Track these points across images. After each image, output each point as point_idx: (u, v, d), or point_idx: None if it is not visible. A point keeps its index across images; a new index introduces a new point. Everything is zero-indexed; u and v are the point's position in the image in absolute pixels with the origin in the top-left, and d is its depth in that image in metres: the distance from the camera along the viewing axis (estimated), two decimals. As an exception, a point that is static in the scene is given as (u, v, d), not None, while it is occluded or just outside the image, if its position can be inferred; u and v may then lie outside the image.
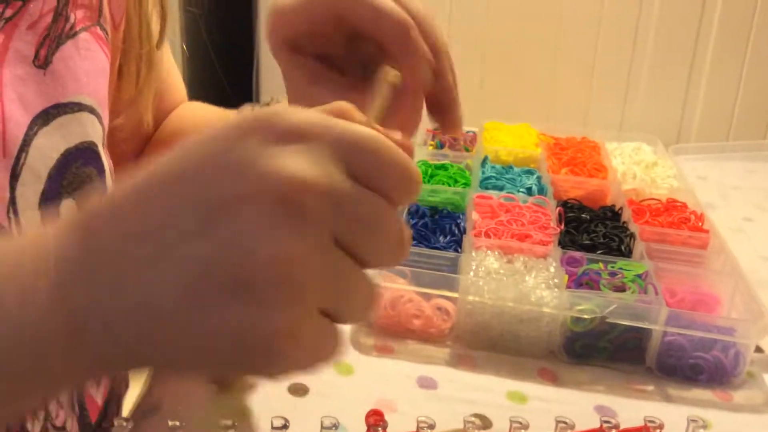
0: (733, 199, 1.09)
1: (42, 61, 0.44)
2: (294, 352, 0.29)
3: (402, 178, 0.30)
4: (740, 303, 0.73)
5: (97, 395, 0.56)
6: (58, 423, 0.50)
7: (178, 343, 0.30)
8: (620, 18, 1.26)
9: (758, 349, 0.73)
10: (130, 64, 0.54)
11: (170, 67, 0.66)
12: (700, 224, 0.86)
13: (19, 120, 0.42)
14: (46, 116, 0.44)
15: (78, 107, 0.46)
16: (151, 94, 0.57)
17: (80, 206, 0.32)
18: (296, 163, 0.28)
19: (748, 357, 0.69)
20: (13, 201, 0.42)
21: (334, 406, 0.62)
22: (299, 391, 0.63)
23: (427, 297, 0.72)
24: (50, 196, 0.44)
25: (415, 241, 0.78)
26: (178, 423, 0.47)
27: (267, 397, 0.62)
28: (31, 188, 0.43)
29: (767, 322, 0.67)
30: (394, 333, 0.72)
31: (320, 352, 0.31)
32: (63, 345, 0.30)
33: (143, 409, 0.62)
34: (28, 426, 0.48)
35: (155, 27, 0.56)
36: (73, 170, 0.46)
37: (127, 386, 0.63)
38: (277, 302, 0.28)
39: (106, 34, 0.50)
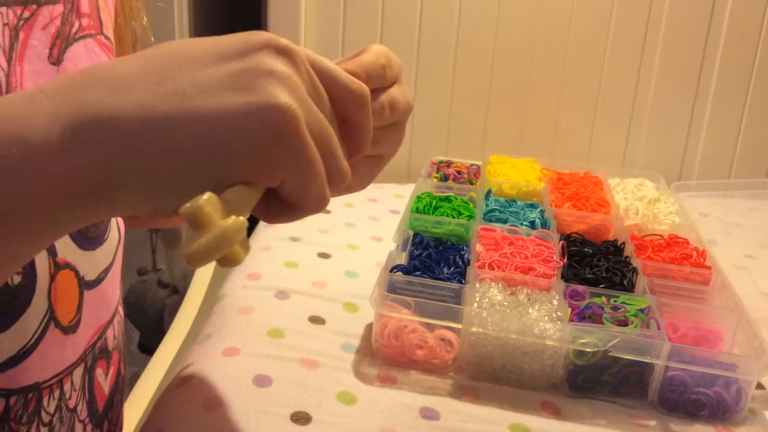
0: (736, 236, 1.09)
1: (55, 59, 0.48)
2: (298, 143, 0.35)
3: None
4: (742, 339, 0.73)
5: (105, 384, 0.57)
6: (71, 404, 0.52)
7: (183, 144, 0.34)
8: (623, 56, 1.27)
9: (760, 386, 0.73)
10: None
11: None
12: (702, 260, 0.87)
13: None
14: None
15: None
16: None
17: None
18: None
19: (749, 393, 0.69)
20: None
21: (337, 435, 0.62)
22: (301, 419, 0.63)
23: (431, 328, 0.72)
24: None
25: (419, 272, 0.78)
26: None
27: (269, 425, 0.62)
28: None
29: (769, 358, 0.68)
30: (397, 363, 0.72)
31: (316, 170, 0.37)
32: (64, 157, 0.33)
33: (146, 434, 0.62)
34: (44, 401, 0.50)
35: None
36: None
37: (124, 381, 0.64)
38: (282, 85, 0.35)
39: (111, 43, 0.54)
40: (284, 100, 0.35)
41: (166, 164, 0.34)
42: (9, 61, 0.45)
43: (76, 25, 0.50)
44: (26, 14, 0.46)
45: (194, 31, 1.27)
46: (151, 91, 0.34)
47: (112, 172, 0.34)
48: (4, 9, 0.45)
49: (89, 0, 0.52)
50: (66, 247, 0.49)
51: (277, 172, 0.36)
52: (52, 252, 0.47)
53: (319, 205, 0.38)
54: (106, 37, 0.54)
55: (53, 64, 0.48)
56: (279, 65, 0.36)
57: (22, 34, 0.46)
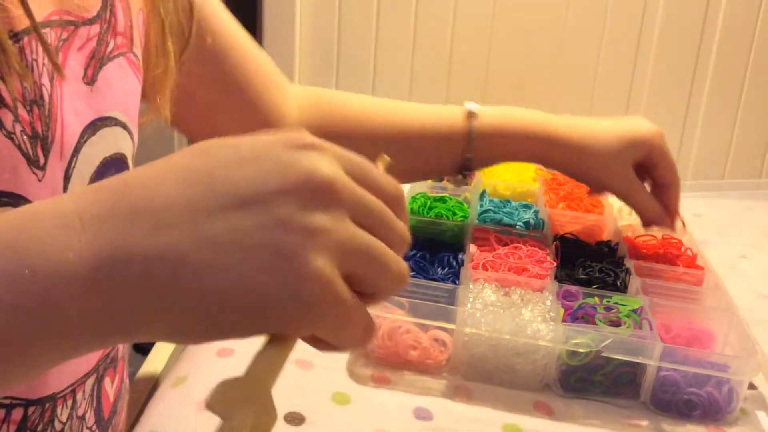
0: (729, 236, 1.10)
1: (89, 79, 0.49)
2: (331, 305, 0.33)
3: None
4: (734, 340, 0.73)
5: (111, 392, 0.58)
6: (80, 412, 0.53)
7: (210, 302, 0.33)
8: (618, 58, 1.28)
9: (751, 386, 0.73)
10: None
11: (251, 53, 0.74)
12: (695, 261, 0.87)
13: (74, 129, 0.47)
14: (93, 127, 0.49)
15: (114, 122, 0.51)
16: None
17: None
18: (323, 164, 0.34)
19: (741, 394, 0.69)
20: None
21: (330, 436, 0.62)
22: (295, 420, 0.63)
23: (425, 328, 0.72)
24: None
25: (413, 272, 0.79)
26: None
27: (263, 425, 0.62)
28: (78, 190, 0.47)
29: (761, 359, 0.68)
30: (390, 364, 0.73)
31: (353, 319, 0.35)
32: (90, 298, 0.32)
33: (140, 435, 0.62)
34: (58, 410, 0.51)
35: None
36: (108, 177, 0.50)
37: (126, 388, 0.64)
38: (315, 248, 0.33)
39: (138, 60, 0.55)
40: (320, 271, 0.33)
41: (192, 317, 0.33)
42: (51, 81, 0.45)
43: (111, 44, 0.51)
44: (65, 35, 0.47)
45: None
46: (189, 232, 0.32)
47: (137, 315, 0.33)
48: (48, 30, 0.45)
49: (125, 19, 0.53)
50: None
51: (307, 330, 0.35)
52: None
53: (364, 339, 0.37)
54: (135, 55, 0.54)
55: (87, 84, 0.49)
56: (318, 221, 0.33)
57: (60, 55, 0.46)
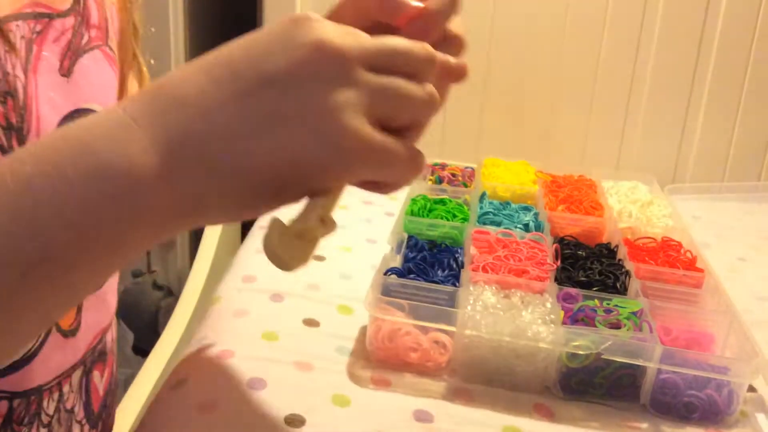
0: (728, 239, 1.10)
1: (65, 71, 0.49)
2: (369, 152, 0.38)
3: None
4: (734, 342, 0.73)
5: (101, 386, 0.58)
6: (68, 405, 0.52)
7: (263, 169, 0.37)
8: (617, 59, 1.28)
9: (751, 389, 0.73)
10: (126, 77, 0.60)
11: None
12: (695, 263, 0.87)
13: (50, 120, 0.47)
14: (71, 118, 0.49)
15: (92, 114, 0.50)
16: None
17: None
18: (326, 30, 0.38)
19: (741, 396, 0.69)
20: None
21: (331, 438, 0.62)
22: (295, 422, 0.63)
23: (425, 330, 0.72)
24: None
25: (413, 275, 0.79)
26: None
27: (263, 428, 0.62)
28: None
29: (761, 361, 0.68)
30: (391, 366, 0.73)
31: (395, 157, 0.39)
32: (163, 186, 0.36)
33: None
34: (44, 403, 0.51)
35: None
36: None
37: (117, 382, 0.65)
38: (341, 106, 0.37)
39: (114, 54, 0.55)
40: (350, 125, 0.37)
41: (249, 188, 0.38)
42: (26, 73, 0.46)
43: (86, 37, 0.51)
44: (38, 27, 0.47)
45: (189, 27, 1.27)
46: (235, 115, 0.37)
47: (206, 194, 0.37)
48: (21, 22, 0.46)
49: (99, 12, 0.53)
50: None
51: (356, 178, 0.40)
52: None
53: (413, 170, 0.41)
54: (110, 48, 0.55)
55: (63, 76, 0.49)
56: (337, 81, 0.37)
57: (35, 47, 0.47)
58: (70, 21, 0.50)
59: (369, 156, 0.38)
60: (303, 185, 0.39)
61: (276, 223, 0.41)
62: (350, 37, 0.38)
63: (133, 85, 0.61)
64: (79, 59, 0.50)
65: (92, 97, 0.51)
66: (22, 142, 0.45)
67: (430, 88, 0.40)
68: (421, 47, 0.40)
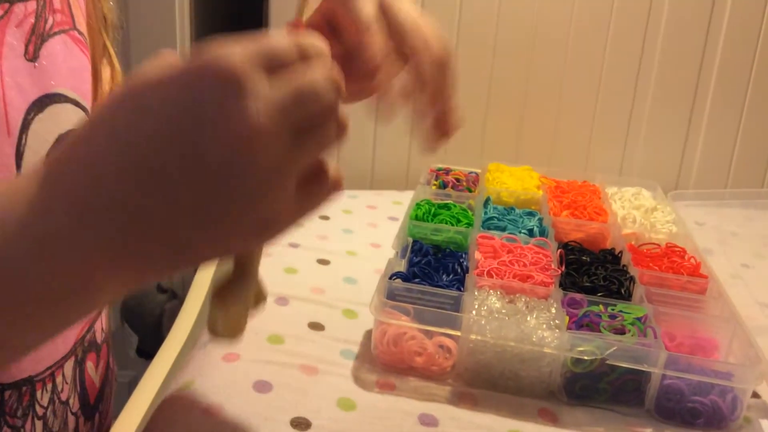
0: (732, 245, 1.10)
1: (31, 55, 0.49)
2: (285, 190, 0.35)
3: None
4: (738, 348, 0.74)
5: (96, 377, 0.58)
6: (63, 397, 0.52)
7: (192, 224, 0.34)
8: (621, 65, 1.28)
9: (755, 395, 0.73)
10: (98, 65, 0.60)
11: None
12: (699, 270, 0.87)
13: (18, 105, 0.47)
14: (40, 104, 0.49)
15: (64, 98, 0.51)
16: None
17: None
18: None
19: (745, 402, 0.70)
20: None
21: (336, 441, 0.62)
22: (301, 425, 0.64)
23: (430, 335, 0.73)
24: None
25: (418, 279, 0.79)
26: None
27: (269, 431, 0.62)
28: (32, 167, 0.47)
29: (765, 367, 0.68)
30: (395, 369, 0.73)
31: (313, 192, 0.38)
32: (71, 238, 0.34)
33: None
34: (38, 394, 0.51)
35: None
36: None
37: (113, 374, 0.65)
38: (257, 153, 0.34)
39: (84, 38, 0.55)
40: (272, 161, 0.34)
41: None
42: None
43: (50, 21, 0.51)
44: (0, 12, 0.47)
45: (195, 25, 1.27)
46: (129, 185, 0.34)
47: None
48: None
49: None
50: None
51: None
52: None
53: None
54: (80, 32, 0.54)
55: (29, 60, 0.48)
56: (247, 118, 0.33)
57: None
58: (32, 5, 0.49)
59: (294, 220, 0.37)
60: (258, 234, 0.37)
61: (216, 308, 0.43)
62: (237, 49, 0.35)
63: (105, 74, 0.61)
64: (45, 43, 0.50)
65: (62, 82, 0.51)
66: None
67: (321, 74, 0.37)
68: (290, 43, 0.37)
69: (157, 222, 0.34)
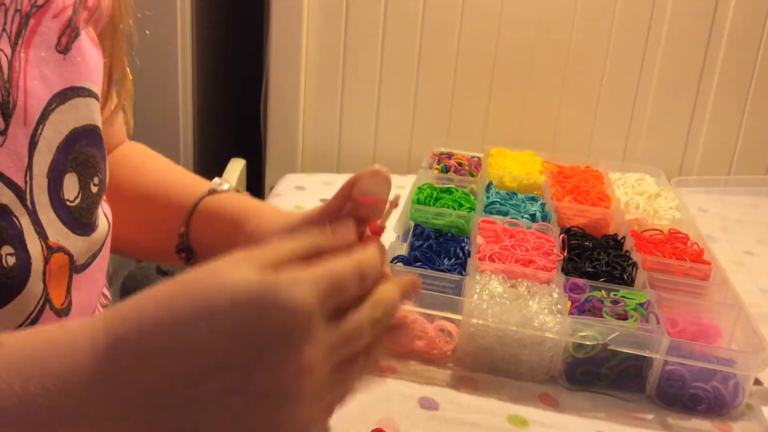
0: (735, 232, 1.09)
1: (63, 47, 0.48)
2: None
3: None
4: (740, 335, 0.73)
5: None
6: None
7: None
8: (626, 51, 1.27)
9: (757, 382, 0.73)
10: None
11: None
12: (702, 256, 0.87)
13: (40, 95, 0.47)
14: (64, 96, 0.48)
15: (88, 93, 0.51)
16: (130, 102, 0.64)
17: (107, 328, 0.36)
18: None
19: (747, 389, 0.69)
20: (30, 166, 0.46)
21: (336, 424, 0.62)
22: (301, 407, 0.63)
23: (431, 318, 0.72)
24: (57, 167, 0.48)
25: (420, 263, 0.78)
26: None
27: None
28: (44, 157, 0.47)
29: (767, 355, 0.68)
30: (396, 353, 0.73)
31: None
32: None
33: None
34: None
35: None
36: (78, 148, 0.50)
37: None
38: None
39: (95, 37, 0.55)
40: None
41: None
42: (14, 46, 0.45)
43: (82, 15, 0.51)
44: (40, 2, 0.47)
45: (196, 28, 1.27)
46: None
47: None
48: None
49: None
50: (58, 231, 0.49)
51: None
52: (43, 235, 0.48)
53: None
54: (91, 32, 0.54)
55: (60, 52, 0.48)
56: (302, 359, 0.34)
57: (32, 21, 0.46)
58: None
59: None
60: None
61: None
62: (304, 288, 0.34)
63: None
64: (79, 37, 0.50)
65: (88, 76, 0.51)
66: (7, 116, 0.45)
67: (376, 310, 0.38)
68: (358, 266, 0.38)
69: None
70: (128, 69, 0.62)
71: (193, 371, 0.34)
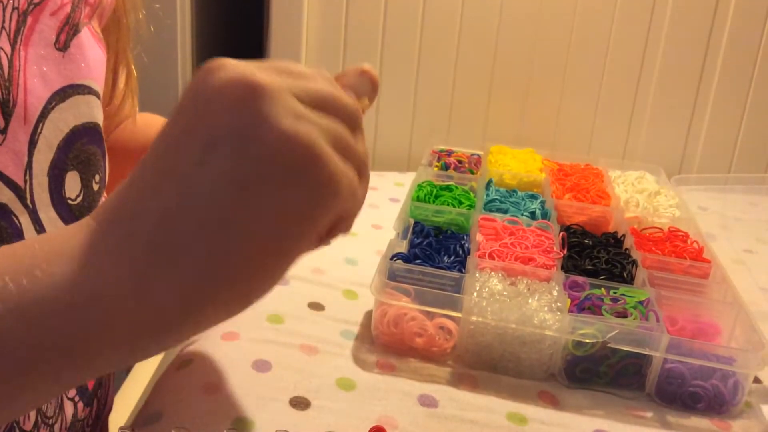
0: (734, 230, 1.09)
1: (62, 45, 0.48)
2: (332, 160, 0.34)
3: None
4: (740, 333, 0.73)
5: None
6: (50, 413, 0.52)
7: (250, 231, 0.33)
8: (626, 49, 1.27)
9: (757, 380, 0.73)
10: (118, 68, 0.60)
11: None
12: (701, 254, 0.87)
13: (40, 93, 0.46)
14: (63, 94, 0.48)
15: (88, 90, 0.51)
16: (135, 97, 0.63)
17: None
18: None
19: (746, 387, 0.69)
20: (30, 165, 0.46)
21: (335, 421, 0.62)
22: (300, 404, 0.63)
23: (430, 316, 0.72)
24: (58, 165, 0.48)
25: (419, 260, 0.78)
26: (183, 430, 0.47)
27: (268, 410, 0.62)
28: (44, 156, 0.47)
29: (767, 353, 0.68)
30: (396, 350, 0.73)
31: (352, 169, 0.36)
32: (129, 295, 0.32)
33: (144, 416, 0.62)
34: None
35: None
36: (79, 146, 0.50)
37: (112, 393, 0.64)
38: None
39: (99, 34, 0.55)
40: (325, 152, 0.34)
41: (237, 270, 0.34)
42: (13, 44, 0.45)
43: (84, 11, 0.51)
44: None
45: (196, 27, 1.27)
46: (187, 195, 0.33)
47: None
48: None
49: None
50: (56, 226, 0.49)
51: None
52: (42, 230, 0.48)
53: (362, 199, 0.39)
54: (94, 28, 0.54)
55: (59, 50, 0.48)
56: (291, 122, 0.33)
57: (30, 19, 0.46)
58: None
59: (348, 187, 0.35)
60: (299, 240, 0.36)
61: None
62: (272, 74, 0.34)
63: (121, 78, 0.61)
64: (78, 34, 0.50)
65: (88, 74, 0.51)
66: (7, 114, 0.44)
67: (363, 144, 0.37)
68: (350, 100, 0.37)
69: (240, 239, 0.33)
70: (133, 66, 0.62)
71: (193, 153, 0.32)
